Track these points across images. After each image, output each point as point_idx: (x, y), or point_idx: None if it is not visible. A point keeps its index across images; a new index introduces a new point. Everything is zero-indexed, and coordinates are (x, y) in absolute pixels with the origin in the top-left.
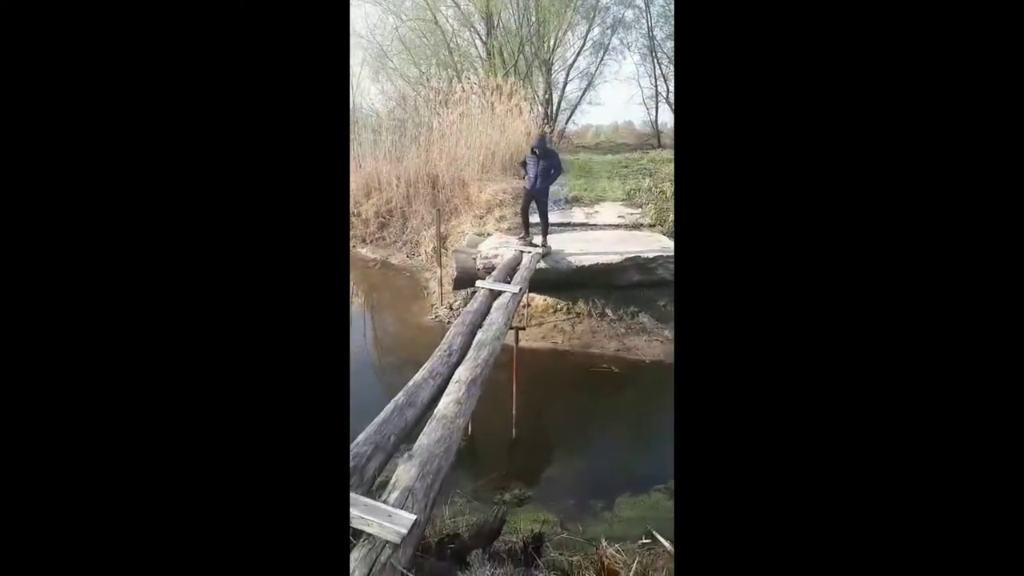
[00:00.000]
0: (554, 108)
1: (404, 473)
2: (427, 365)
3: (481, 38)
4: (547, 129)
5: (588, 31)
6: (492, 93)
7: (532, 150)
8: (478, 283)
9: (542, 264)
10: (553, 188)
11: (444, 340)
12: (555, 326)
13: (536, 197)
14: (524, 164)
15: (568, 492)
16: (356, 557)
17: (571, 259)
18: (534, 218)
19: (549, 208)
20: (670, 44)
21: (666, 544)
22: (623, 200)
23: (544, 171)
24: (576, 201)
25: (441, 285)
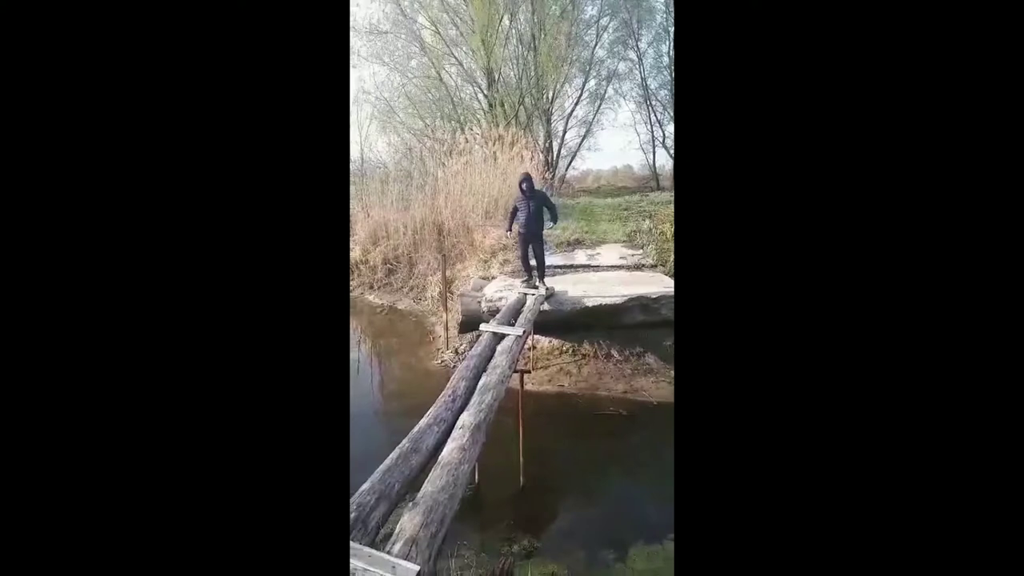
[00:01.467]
0: (554, 155)
1: (408, 522)
2: (431, 411)
3: (483, 92)
4: (546, 174)
5: (585, 83)
6: (494, 143)
7: (520, 187)
8: (482, 326)
9: (546, 306)
10: (554, 232)
11: (448, 385)
12: (561, 368)
13: (532, 240)
14: (514, 211)
15: (578, 542)
16: None
17: (575, 300)
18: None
19: (546, 250)
20: (664, 92)
21: None
22: (624, 241)
23: (536, 211)
24: (578, 243)
25: (447, 329)
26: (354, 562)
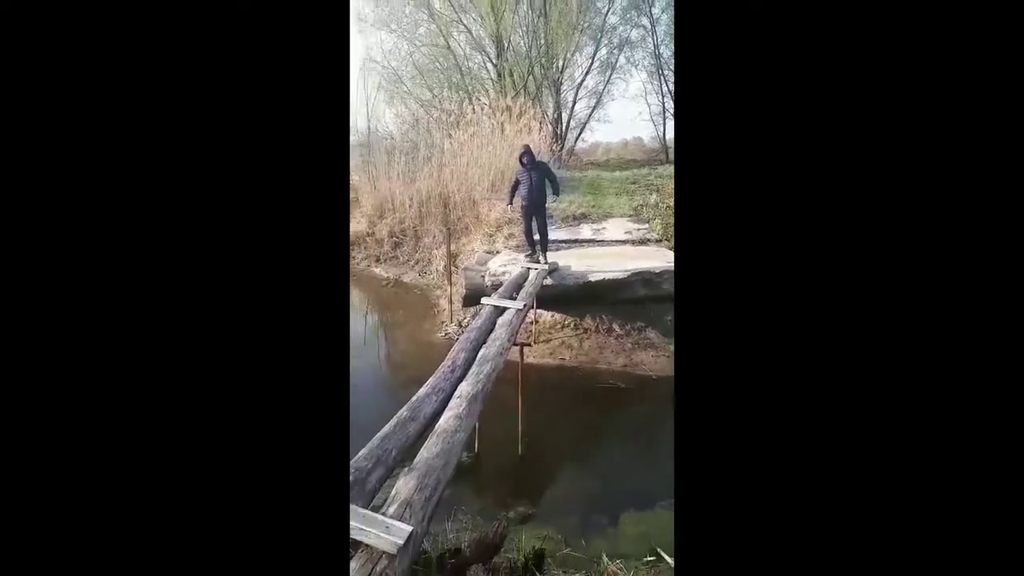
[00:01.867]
0: (563, 127)
1: (403, 486)
2: (430, 381)
3: (492, 61)
4: (554, 147)
5: (596, 51)
6: (502, 114)
7: (520, 160)
8: (483, 300)
9: (549, 280)
10: (560, 206)
11: (448, 356)
12: (563, 342)
13: (535, 212)
14: (515, 184)
15: (573, 509)
16: (354, 567)
17: (578, 275)
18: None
19: (551, 225)
20: None
21: (670, 561)
22: (630, 216)
23: (539, 183)
24: (583, 218)
25: (451, 303)
26: (351, 522)
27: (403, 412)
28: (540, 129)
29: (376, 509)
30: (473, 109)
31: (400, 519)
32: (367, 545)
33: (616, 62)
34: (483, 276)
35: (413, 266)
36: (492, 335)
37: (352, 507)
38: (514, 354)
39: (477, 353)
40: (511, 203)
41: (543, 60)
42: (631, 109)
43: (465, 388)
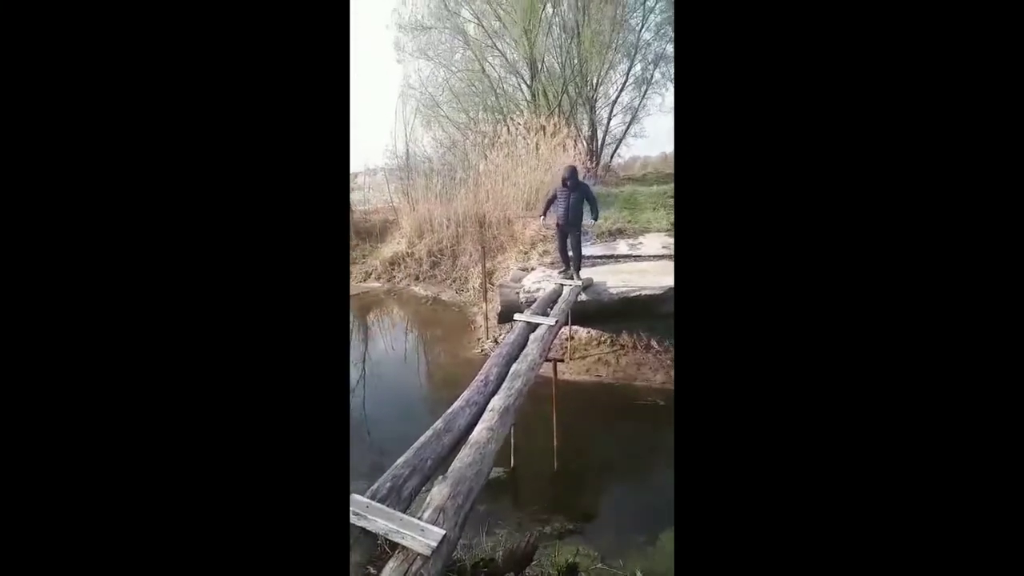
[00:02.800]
0: (599, 143)
1: (437, 493)
2: (464, 394)
3: (526, 82)
4: (587, 163)
5: (630, 68)
6: (536, 133)
7: (563, 182)
8: (516, 316)
9: (584, 296)
10: (590, 222)
11: (481, 371)
12: (599, 358)
13: (569, 231)
14: (552, 200)
15: (609, 526)
16: (391, 567)
17: (614, 291)
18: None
19: (586, 241)
20: None
21: None
22: (667, 230)
23: (576, 204)
24: (620, 233)
25: (487, 319)
26: (387, 524)
27: (438, 424)
28: (575, 146)
29: (412, 514)
30: (508, 130)
31: (434, 524)
32: (403, 547)
33: (652, 77)
34: (518, 293)
35: (451, 284)
36: (524, 351)
37: (388, 510)
38: (548, 370)
39: (509, 368)
40: (544, 215)
41: (577, 79)
42: (669, 122)
43: (497, 402)
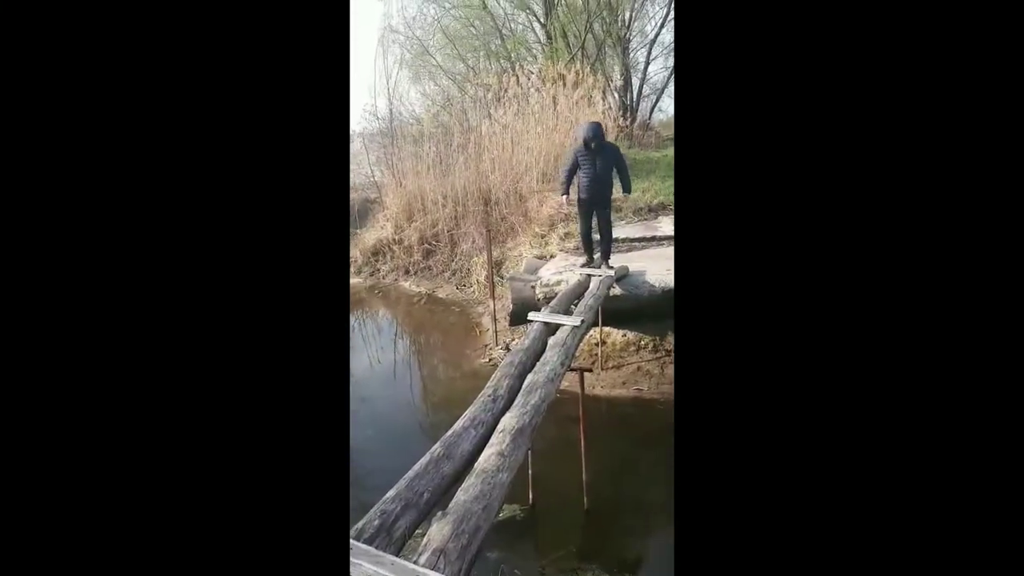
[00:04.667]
0: (634, 95)
1: (437, 532)
2: (468, 412)
3: (539, 20)
4: (620, 120)
5: None
6: (553, 84)
7: (586, 144)
8: (531, 315)
9: (616, 290)
10: (631, 196)
11: (488, 384)
12: (638, 368)
13: (596, 207)
14: (573, 169)
15: (655, 575)
16: None
17: (655, 282)
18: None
19: (619, 220)
20: None
21: None
22: None
23: (604, 172)
24: (662, 208)
25: (495, 321)
26: (376, 569)
27: (436, 449)
28: (604, 100)
29: (406, 558)
30: (518, 81)
31: (433, 569)
32: None
33: None
34: (533, 287)
35: (449, 278)
36: (542, 358)
37: (377, 552)
38: (575, 383)
39: (523, 380)
40: (567, 193)
41: (604, 14)
42: None
43: (509, 421)
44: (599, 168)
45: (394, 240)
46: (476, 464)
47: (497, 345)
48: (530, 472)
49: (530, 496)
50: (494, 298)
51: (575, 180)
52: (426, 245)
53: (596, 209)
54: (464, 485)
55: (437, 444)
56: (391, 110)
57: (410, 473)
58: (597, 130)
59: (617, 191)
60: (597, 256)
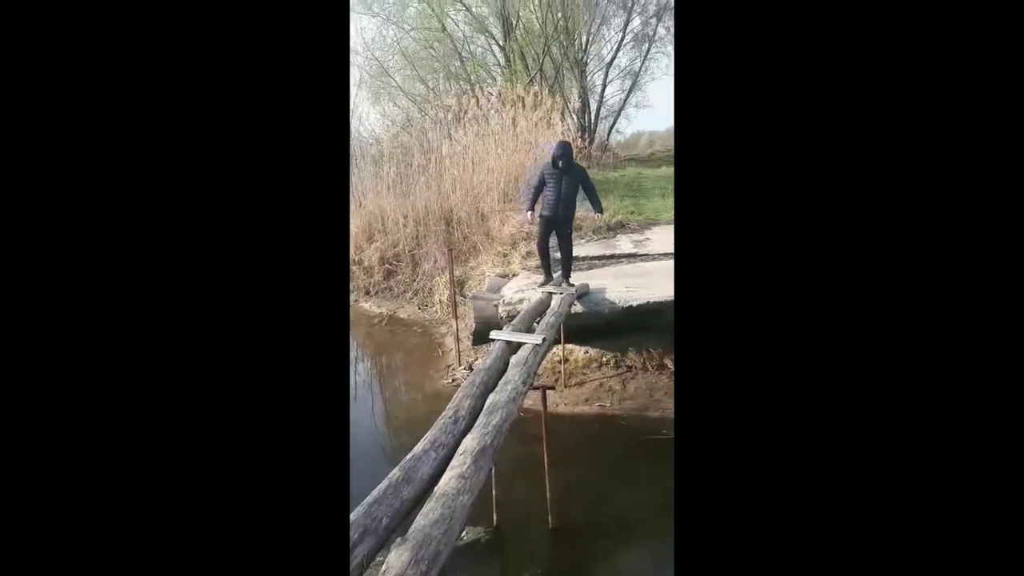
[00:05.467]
0: (592, 116)
1: (395, 559)
2: (428, 435)
3: (498, 43)
4: (579, 141)
5: (627, 22)
6: (513, 105)
7: (554, 162)
8: (493, 334)
9: (578, 307)
10: (589, 215)
11: (449, 405)
12: (601, 384)
13: (558, 227)
14: (539, 187)
15: None
16: None
17: (616, 299)
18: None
19: (579, 239)
20: None
21: None
22: None
23: (569, 191)
24: (621, 227)
25: (458, 341)
26: None
27: (395, 473)
28: (562, 121)
29: None
30: (477, 102)
31: None
32: None
33: (655, 33)
34: (496, 305)
35: (411, 298)
36: (504, 377)
37: None
38: (538, 401)
39: (485, 400)
40: (532, 209)
41: (562, 37)
42: None
43: (470, 443)
44: (565, 187)
45: (354, 261)
46: (436, 487)
47: (460, 365)
48: (494, 493)
49: (494, 518)
50: (457, 318)
51: (541, 198)
52: (387, 265)
53: (557, 228)
54: (424, 510)
55: (396, 468)
56: (350, 130)
57: (368, 499)
58: (567, 149)
59: (588, 211)
60: (557, 275)
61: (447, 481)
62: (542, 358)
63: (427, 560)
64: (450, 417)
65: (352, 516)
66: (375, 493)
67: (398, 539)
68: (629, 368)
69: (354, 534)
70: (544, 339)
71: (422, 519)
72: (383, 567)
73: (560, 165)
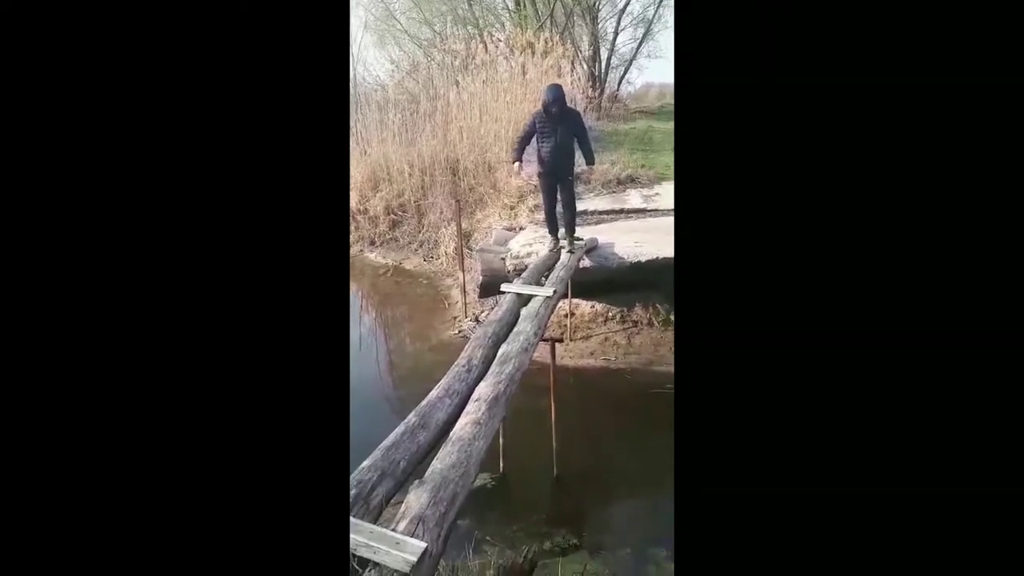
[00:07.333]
0: (602, 65)
1: (415, 500)
2: (442, 382)
3: None
4: (589, 91)
5: None
6: (522, 52)
7: (546, 109)
8: (503, 286)
9: (586, 262)
10: (600, 167)
11: (462, 354)
12: (606, 338)
13: (558, 180)
14: (528, 136)
15: (623, 539)
16: None
17: (624, 254)
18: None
19: (588, 192)
20: None
21: None
22: None
23: (564, 140)
24: (631, 181)
25: (465, 293)
26: (355, 537)
27: (411, 419)
28: (572, 69)
29: (384, 526)
30: (485, 48)
31: (412, 536)
32: (376, 563)
33: None
34: (503, 259)
35: (416, 249)
36: (515, 329)
37: (356, 522)
38: (545, 354)
39: (497, 350)
40: (519, 160)
41: None
42: None
43: (484, 390)
44: (560, 136)
45: (359, 210)
46: (452, 433)
47: (467, 317)
48: (501, 441)
49: (501, 465)
50: (464, 270)
51: (536, 151)
52: (392, 216)
53: (559, 181)
54: (440, 454)
55: (412, 414)
56: (354, 75)
57: (385, 442)
58: (558, 93)
59: (579, 162)
60: (561, 231)
61: (462, 427)
62: (552, 310)
63: (445, 501)
64: (463, 365)
65: (369, 460)
66: (392, 437)
67: (416, 481)
68: (635, 323)
69: (372, 476)
70: (555, 292)
71: (439, 463)
72: (402, 507)
73: (554, 111)
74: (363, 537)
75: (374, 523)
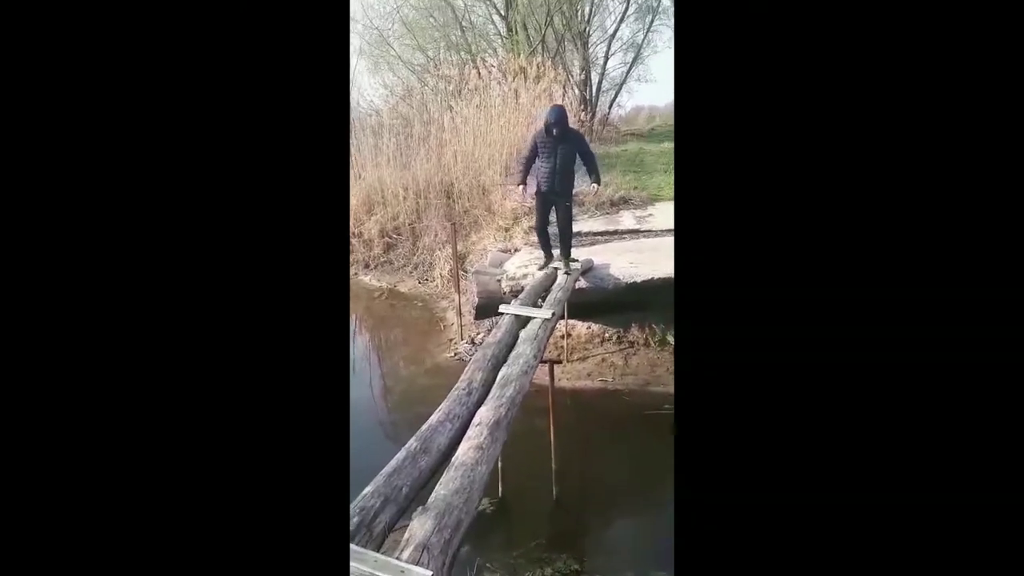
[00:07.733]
0: (593, 89)
1: (419, 527)
2: (443, 406)
3: (499, 12)
4: (580, 115)
5: None
6: (515, 77)
7: (547, 129)
8: (502, 308)
9: (582, 283)
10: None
11: (462, 377)
12: (603, 359)
13: (556, 201)
14: (531, 155)
15: (627, 563)
16: None
17: (620, 275)
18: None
19: (582, 213)
20: None
21: None
22: None
23: (566, 160)
24: (624, 203)
25: (460, 315)
26: (360, 567)
27: (412, 444)
28: (564, 94)
29: (388, 555)
30: (478, 73)
31: (417, 564)
32: None
33: (659, 5)
34: (499, 280)
35: (411, 272)
36: (514, 351)
37: (360, 550)
38: (542, 375)
39: (496, 373)
40: (524, 183)
41: (564, 7)
42: None
43: (485, 414)
44: (560, 157)
45: (353, 233)
46: (454, 458)
47: (462, 339)
48: (499, 464)
49: (499, 488)
50: (459, 292)
51: (534, 170)
52: (387, 238)
53: (557, 202)
54: (443, 479)
55: (413, 439)
56: (349, 100)
57: (387, 468)
58: (560, 114)
59: (584, 183)
60: (557, 252)
61: (465, 452)
62: (550, 332)
63: (449, 528)
64: (463, 389)
65: (371, 486)
66: (393, 463)
67: (419, 508)
68: (631, 344)
69: (375, 503)
70: (553, 314)
71: (442, 488)
72: (406, 534)
73: (555, 132)
74: (368, 566)
75: (378, 551)
